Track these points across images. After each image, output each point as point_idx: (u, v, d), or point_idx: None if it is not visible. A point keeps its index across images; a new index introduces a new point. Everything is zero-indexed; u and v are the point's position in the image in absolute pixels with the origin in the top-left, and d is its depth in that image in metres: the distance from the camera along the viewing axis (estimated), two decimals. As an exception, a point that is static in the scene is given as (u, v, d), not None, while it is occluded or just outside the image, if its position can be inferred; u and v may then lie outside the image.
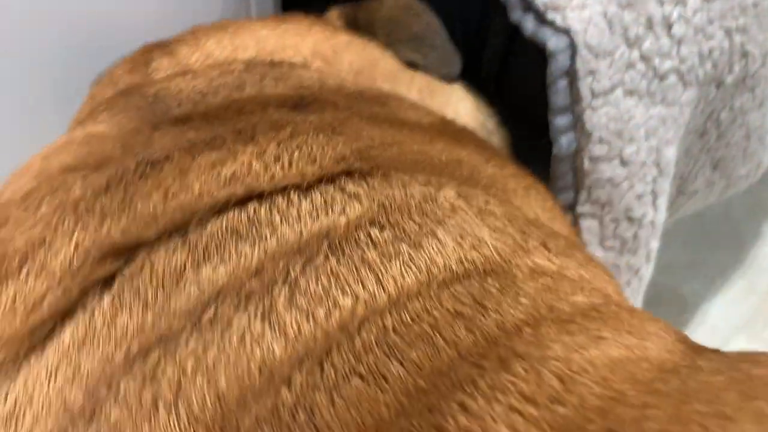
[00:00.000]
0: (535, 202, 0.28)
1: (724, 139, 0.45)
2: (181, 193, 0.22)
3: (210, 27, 0.35)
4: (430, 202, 0.21)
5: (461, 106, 0.37)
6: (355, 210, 0.20)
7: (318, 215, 0.20)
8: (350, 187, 0.21)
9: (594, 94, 0.34)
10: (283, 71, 0.31)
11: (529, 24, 0.35)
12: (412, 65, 0.37)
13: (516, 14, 0.35)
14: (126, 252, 0.20)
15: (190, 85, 0.29)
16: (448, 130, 0.30)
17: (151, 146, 0.24)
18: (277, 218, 0.20)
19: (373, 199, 0.21)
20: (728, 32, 0.38)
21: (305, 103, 0.28)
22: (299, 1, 0.50)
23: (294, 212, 0.20)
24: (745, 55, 0.40)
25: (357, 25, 0.39)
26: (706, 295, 0.76)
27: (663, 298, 0.75)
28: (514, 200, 0.26)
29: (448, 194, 0.21)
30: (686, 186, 0.47)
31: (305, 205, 0.21)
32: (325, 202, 0.21)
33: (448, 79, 0.37)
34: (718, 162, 0.47)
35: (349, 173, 0.22)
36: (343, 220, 0.20)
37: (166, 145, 0.24)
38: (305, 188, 0.21)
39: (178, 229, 0.21)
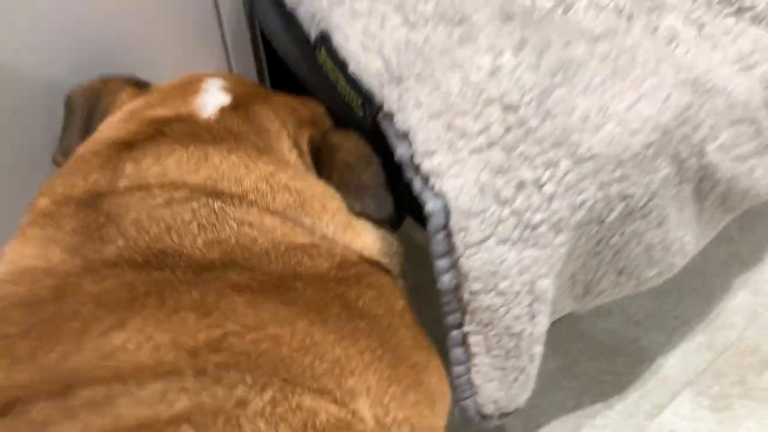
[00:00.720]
0: (377, 372, 0.35)
1: (622, 254, 0.51)
2: (74, 354, 0.30)
3: (175, 139, 0.42)
4: (238, 412, 0.29)
5: (370, 238, 0.45)
6: (176, 407, 0.28)
7: (150, 404, 0.28)
8: (187, 383, 0.29)
9: (466, 246, 0.42)
10: (215, 215, 0.39)
11: (417, 184, 0.42)
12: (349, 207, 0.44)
13: (409, 174, 0.43)
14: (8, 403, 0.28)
15: (138, 211, 0.37)
16: (328, 297, 0.37)
17: (75, 294, 0.33)
18: (120, 400, 0.28)
19: (196, 399, 0.29)
20: (602, 185, 0.44)
21: (210, 268, 0.36)
22: (287, 82, 0.58)
23: (132, 399, 0.28)
24: (624, 197, 0.46)
25: (319, 155, 0.47)
26: (665, 347, 0.82)
27: (622, 350, 0.82)
28: (348, 380, 0.33)
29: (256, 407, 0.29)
30: (592, 288, 0.54)
31: (144, 393, 0.29)
32: (161, 393, 0.29)
33: (377, 222, 0.44)
34: (622, 269, 0.53)
35: (194, 366, 0.30)
36: (164, 414, 0.28)
37: (83, 298, 0.33)
38: (155, 376, 0.30)
39: (61, 391, 0.29)
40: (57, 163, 0.50)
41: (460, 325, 0.45)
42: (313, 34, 0.49)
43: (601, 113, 0.44)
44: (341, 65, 0.46)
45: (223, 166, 0.40)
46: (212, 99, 0.46)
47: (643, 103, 0.46)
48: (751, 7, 0.60)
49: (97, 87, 0.51)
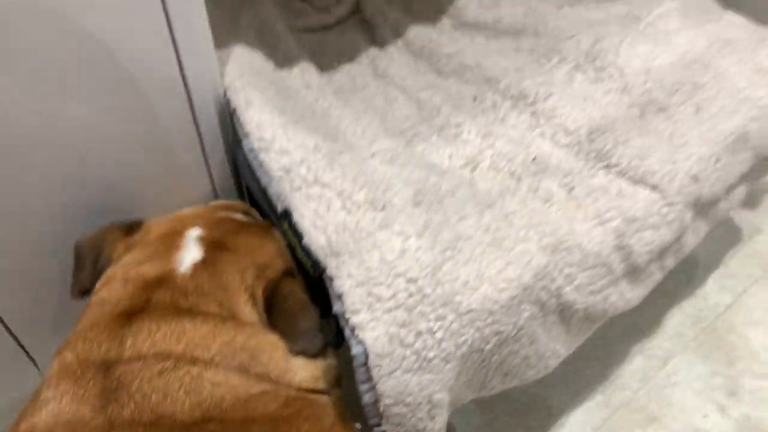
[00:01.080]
0: None
1: (503, 365, 0.70)
2: None
3: (161, 313, 0.56)
4: None
5: (306, 373, 0.61)
6: None
7: None
8: None
9: (380, 376, 0.60)
10: (195, 381, 0.53)
11: (347, 332, 0.61)
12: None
13: (342, 323, 0.61)
14: None
15: (140, 379, 0.52)
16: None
17: None
18: None
19: None
20: (478, 328, 0.63)
21: (194, 425, 0.52)
22: (259, 206, 0.76)
23: None
24: (497, 333, 0.65)
25: (270, 301, 0.64)
26: (570, 405, 1.01)
27: (535, 407, 1.01)
28: None
29: None
30: (485, 385, 0.73)
31: None
32: None
33: (308, 355, 0.62)
34: (507, 373, 0.72)
35: None
36: None
37: None
38: None
39: None
40: (74, 297, 0.67)
41: (379, 425, 0.64)
42: (279, 209, 0.67)
43: (478, 278, 0.63)
44: (298, 237, 0.65)
45: (196, 337, 0.55)
46: (188, 255, 0.61)
47: (510, 268, 0.65)
48: (617, 164, 0.79)
49: (99, 238, 0.67)
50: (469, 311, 0.62)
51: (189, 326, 0.56)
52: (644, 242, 0.75)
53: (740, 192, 0.91)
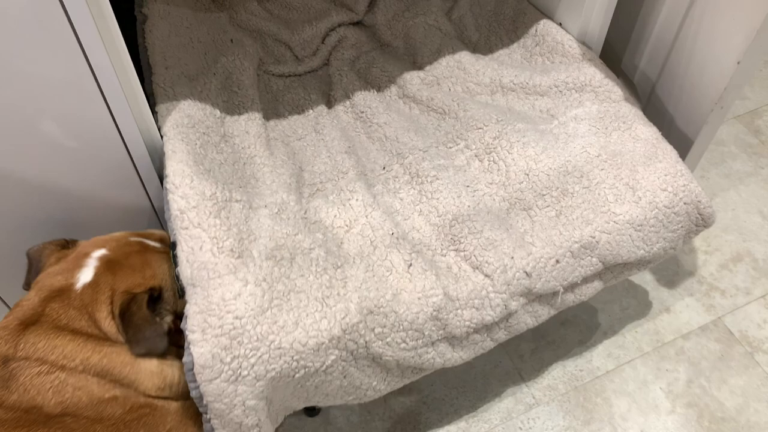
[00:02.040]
0: None
1: (321, 389, 0.90)
2: None
3: (47, 326, 0.77)
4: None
5: (150, 383, 0.83)
6: None
7: None
8: None
9: (202, 381, 0.82)
10: (61, 384, 0.74)
11: (186, 343, 0.83)
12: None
13: (185, 341, 0.83)
14: None
15: (26, 376, 0.73)
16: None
17: None
18: None
19: None
20: (286, 362, 0.83)
21: (55, 417, 0.74)
22: None
23: None
24: (303, 368, 0.84)
25: (122, 314, 0.80)
26: (435, 424, 1.19)
27: (404, 418, 1.20)
28: None
29: None
30: (309, 399, 0.93)
31: None
32: None
33: (155, 356, 0.84)
34: (328, 394, 0.92)
35: None
36: None
37: None
38: None
39: None
40: (25, 289, 0.87)
41: (206, 413, 0.86)
42: (171, 239, 0.89)
43: (294, 324, 0.83)
44: (176, 264, 0.87)
45: (66, 350, 0.76)
46: (86, 273, 0.81)
47: (324, 321, 0.84)
48: (464, 250, 0.96)
49: (41, 249, 0.87)
50: (279, 348, 0.82)
51: (61, 342, 0.77)
52: (463, 318, 0.91)
53: (592, 288, 1.04)
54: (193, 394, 0.82)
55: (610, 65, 1.23)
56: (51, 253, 0.87)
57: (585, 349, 1.30)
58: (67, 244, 0.89)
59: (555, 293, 1.00)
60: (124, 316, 0.80)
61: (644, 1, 1.25)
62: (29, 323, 0.78)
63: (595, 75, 1.16)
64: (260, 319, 0.82)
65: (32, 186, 0.91)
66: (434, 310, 0.90)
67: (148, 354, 0.82)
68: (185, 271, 0.85)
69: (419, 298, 0.90)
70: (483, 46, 1.29)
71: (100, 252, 0.85)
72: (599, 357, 1.29)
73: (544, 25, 1.24)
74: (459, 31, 1.32)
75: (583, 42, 1.22)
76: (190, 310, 0.83)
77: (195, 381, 0.81)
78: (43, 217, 0.95)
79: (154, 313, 0.84)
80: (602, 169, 1.04)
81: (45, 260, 0.87)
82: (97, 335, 0.80)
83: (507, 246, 0.96)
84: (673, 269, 1.42)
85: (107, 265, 0.84)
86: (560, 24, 1.25)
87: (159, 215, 1.05)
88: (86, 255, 0.85)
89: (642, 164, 1.05)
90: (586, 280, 1.02)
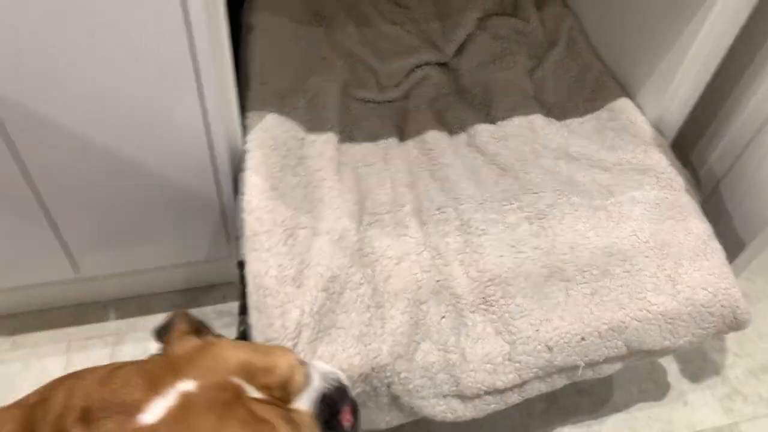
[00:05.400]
0: None
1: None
2: None
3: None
4: None
5: None
6: None
7: None
8: None
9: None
10: None
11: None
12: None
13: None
14: None
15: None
16: None
17: None
18: None
19: None
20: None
21: None
22: None
23: None
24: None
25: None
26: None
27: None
28: None
29: None
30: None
31: None
32: None
33: None
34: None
35: None
36: None
37: None
38: None
39: None
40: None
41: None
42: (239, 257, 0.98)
43: (330, 356, 0.89)
44: (243, 283, 0.95)
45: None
46: (154, 409, 0.59)
47: (356, 358, 0.90)
48: (494, 313, 1.01)
49: (180, 317, 0.71)
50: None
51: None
52: (475, 380, 0.96)
53: (612, 368, 1.07)
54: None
55: (679, 152, 1.25)
56: (180, 326, 0.71)
57: (595, 422, 1.33)
58: (199, 330, 0.73)
59: (575, 367, 1.03)
60: None
61: (728, 98, 1.27)
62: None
63: (661, 161, 1.19)
64: (305, 348, 0.89)
65: (121, 159, 1.00)
66: (447, 365, 0.95)
67: None
68: (250, 294, 0.92)
69: (438, 351, 0.96)
70: (557, 111, 1.33)
71: (187, 386, 0.63)
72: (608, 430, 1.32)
73: (622, 103, 1.27)
74: (538, 91, 1.36)
75: (657, 127, 1.25)
76: (253, 333, 0.90)
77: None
78: (122, 189, 1.04)
79: None
80: (647, 257, 1.07)
81: (176, 327, 0.71)
82: None
83: (535, 317, 1.00)
84: (699, 363, 1.43)
85: (181, 410, 0.61)
86: (639, 106, 1.28)
87: (224, 215, 1.14)
88: (174, 375, 0.64)
89: (688, 259, 1.07)
90: (608, 360, 1.05)
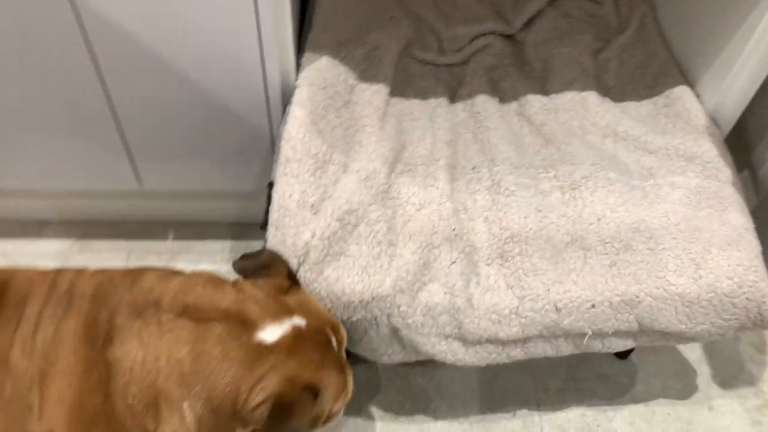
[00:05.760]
0: None
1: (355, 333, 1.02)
2: None
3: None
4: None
5: None
6: None
7: None
8: None
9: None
10: None
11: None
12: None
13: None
14: None
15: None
16: None
17: None
18: None
19: None
20: (326, 303, 0.96)
21: None
22: None
23: None
24: (340, 314, 0.97)
25: (285, 413, 0.75)
26: (441, 416, 1.28)
27: (419, 396, 1.29)
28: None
29: None
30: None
31: None
32: None
33: None
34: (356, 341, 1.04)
35: None
36: None
37: None
38: None
39: None
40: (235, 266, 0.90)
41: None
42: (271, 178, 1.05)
43: (335, 279, 0.95)
44: (269, 201, 1.02)
45: None
46: (271, 331, 0.77)
47: (358, 285, 0.95)
48: (508, 268, 1.03)
49: (277, 260, 0.92)
50: (317, 294, 0.95)
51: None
52: (478, 327, 0.99)
53: (622, 344, 1.07)
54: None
55: (739, 154, 1.21)
56: (278, 274, 0.89)
57: (610, 408, 1.31)
58: (291, 274, 0.92)
59: (582, 334, 1.04)
60: (278, 411, 0.74)
61: (795, 97, 1.22)
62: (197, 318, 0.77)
63: (710, 151, 1.16)
64: (312, 267, 0.96)
65: (187, 80, 1.11)
66: (452, 309, 0.99)
67: None
68: (272, 212, 1.00)
69: (444, 293, 0.99)
70: (616, 93, 1.32)
71: (300, 321, 0.82)
72: (621, 421, 1.30)
73: (680, 90, 1.25)
74: (599, 72, 1.36)
75: (713, 117, 1.22)
76: (267, 246, 0.98)
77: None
78: (183, 105, 1.15)
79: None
80: (674, 238, 1.05)
81: (272, 272, 0.89)
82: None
83: (548, 277, 1.01)
84: (733, 372, 1.38)
85: (294, 340, 0.80)
86: (698, 96, 1.25)
87: (273, 148, 1.22)
88: (289, 313, 0.82)
89: (719, 247, 1.05)
90: (617, 334, 1.05)
